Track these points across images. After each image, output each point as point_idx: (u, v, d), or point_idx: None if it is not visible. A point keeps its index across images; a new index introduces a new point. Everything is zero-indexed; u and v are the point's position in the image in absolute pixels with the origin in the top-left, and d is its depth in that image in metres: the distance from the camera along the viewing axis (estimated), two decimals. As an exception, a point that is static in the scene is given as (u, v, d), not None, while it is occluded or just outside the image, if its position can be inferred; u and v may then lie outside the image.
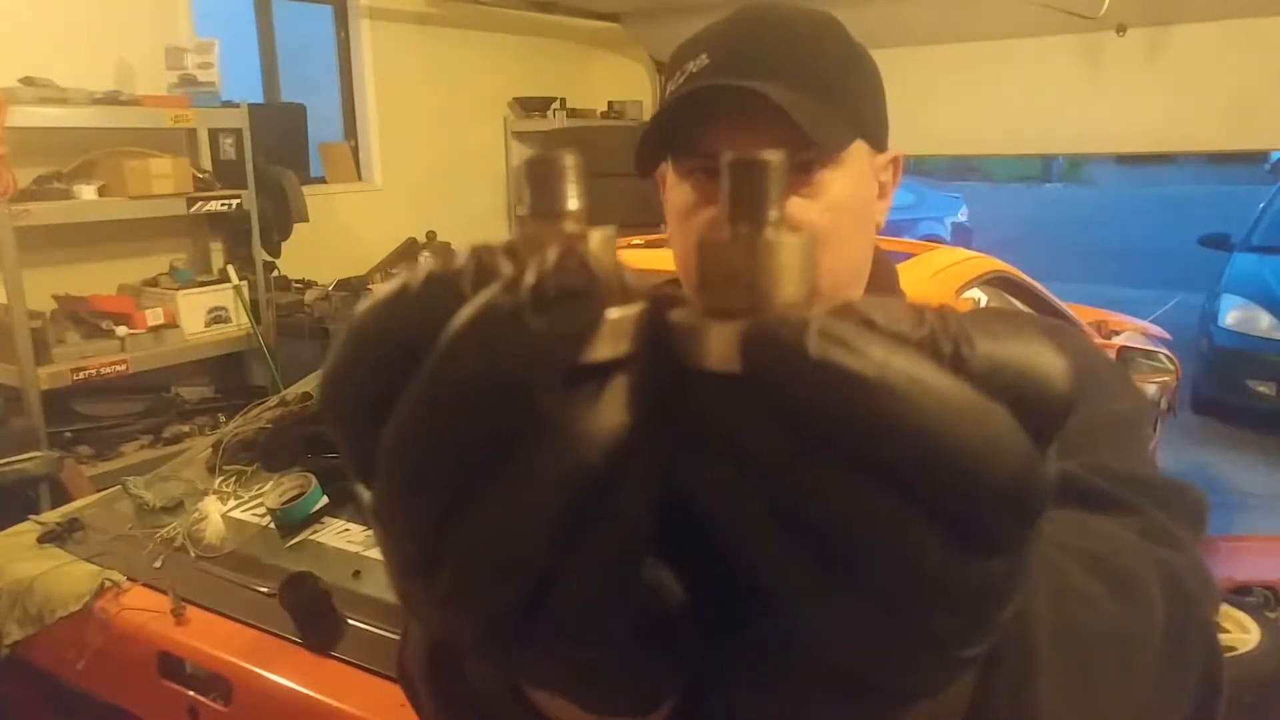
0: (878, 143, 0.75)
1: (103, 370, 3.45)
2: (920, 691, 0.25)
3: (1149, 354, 2.88)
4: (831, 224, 0.70)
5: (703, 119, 0.69)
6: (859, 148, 0.72)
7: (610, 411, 0.23)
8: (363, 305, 0.25)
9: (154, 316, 3.67)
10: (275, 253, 4.28)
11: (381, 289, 0.25)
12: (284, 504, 1.81)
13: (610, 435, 0.23)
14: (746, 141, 0.68)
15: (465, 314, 0.22)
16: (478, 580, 0.23)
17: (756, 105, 0.65)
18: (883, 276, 0.80)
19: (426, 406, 0.23)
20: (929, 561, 0.22)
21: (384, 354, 0.24)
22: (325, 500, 1.83)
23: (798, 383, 0.22)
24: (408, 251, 5.02)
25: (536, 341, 0.22)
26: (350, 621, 1.51)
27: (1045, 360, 0.24)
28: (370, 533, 1.76)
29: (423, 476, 0.23)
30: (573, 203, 0.25)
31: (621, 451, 0.23)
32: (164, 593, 1.65)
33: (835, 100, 0.70)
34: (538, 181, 0.25)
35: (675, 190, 0.74)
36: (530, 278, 0.22)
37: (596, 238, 0.24)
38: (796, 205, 0.69)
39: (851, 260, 0.75)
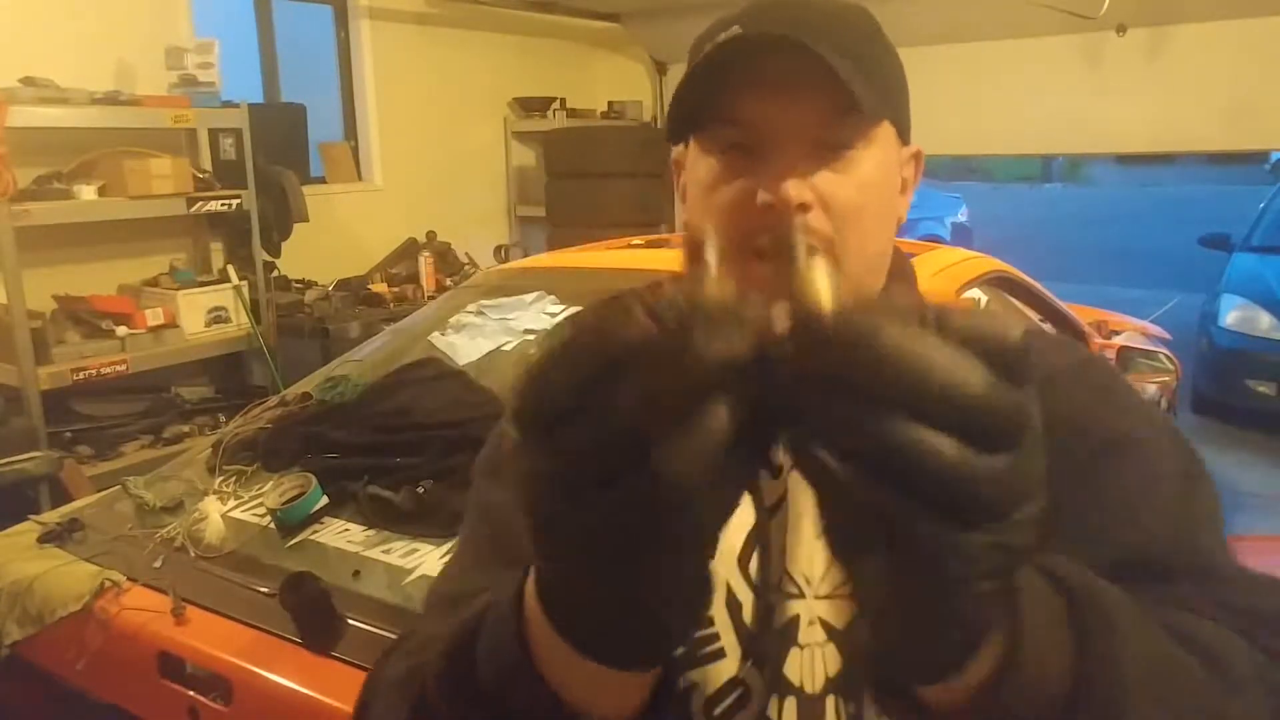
0: (903, 132, 0.73)
1: (103, 370, 3.45)
2: (985, 566, 0.37)
3: (1149, 354, 2.88)
4: (861, 203, 0.68)
5: (736, 83, 0.66)
6: (888, 131, 0.70)
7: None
8: (588, 320, 0.39)
9: (154, 316, 3.67)
10: (275, 253, 4.27)
11: (599, 317, 0.39)
12: (284, 504, 1.81)
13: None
14: (782, 107, 0.66)
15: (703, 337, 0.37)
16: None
17: (796, 66, 0.63)
18: (902, 268, 0.78)
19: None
20: (948, 460, 0.34)
21: (593, 366, 0.37)
22: (325, 500, 1.83)
23: (854, 350, 0.35)
24: (408, 251, 5.02)
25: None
26: (350, 621, 1.51)
27: (998, 324, 0.36)
28: (370, 533, 1.76)
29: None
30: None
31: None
32: (164, 593, 1.64)
33: (869, 69, 0.67)
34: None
35: (699, 164, 0.71)
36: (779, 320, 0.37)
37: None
38: (827, 180, 0.67)
39: (878, 245, 0.72)
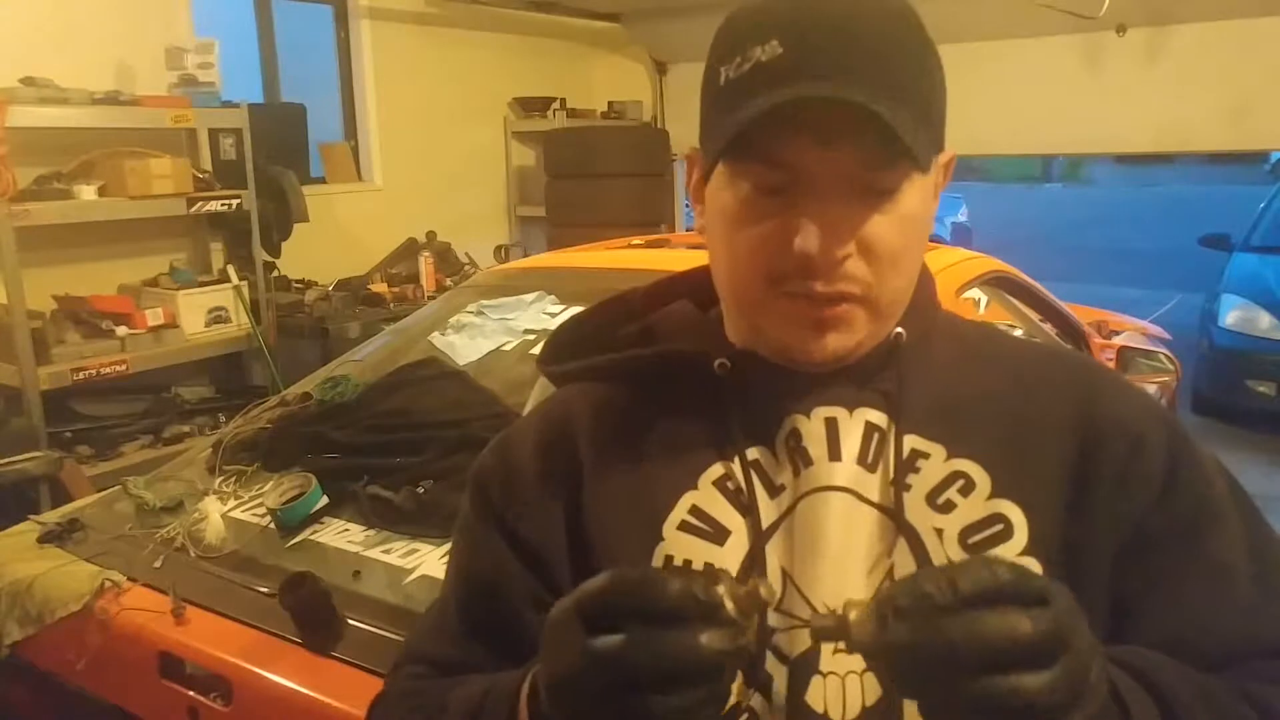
0: (941, 145, 0.70)
1: (103, 370, 3.45)
2: None
3: (1149, 354, 2.87)
4: (902, 243, 0.65)
5: (783, 129, 0.61)
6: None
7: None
8: (655, 581, 0.52)
9: (154, 316, 3.67)
10: (275, 253, 4.27)
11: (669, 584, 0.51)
12: (284, 504, 1.81)
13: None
14: (829, 152, 0.62)
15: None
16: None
17: (847, 111, 0.60)
18: (923, 279, 0.76)
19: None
20: (1033, 689, 0.47)
21: (643, 610, 0.51)
22: (325, 500, 1.83)
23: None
24: (408, 251, 5.02)
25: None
26: (350, 621, 1.50)
27: (998, 570, 0.49)
28: (370, 533, 1.76)
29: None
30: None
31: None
32: (164, 593, 1.64)
33: (917, 105, 0.63)
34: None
35: (725, 190, 0.67)
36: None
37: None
38: (869, 223, 0.64)
39: (913, 275, 0.70)
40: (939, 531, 0.68)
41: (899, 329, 0.72)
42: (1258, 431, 5.25)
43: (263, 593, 1.60)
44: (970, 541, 0.68)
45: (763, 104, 0.60)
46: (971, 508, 0.68)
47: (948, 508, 0.68)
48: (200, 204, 3.79)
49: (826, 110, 0.60)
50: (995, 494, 0.69)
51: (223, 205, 3.88)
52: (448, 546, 1.65)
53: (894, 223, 0.65)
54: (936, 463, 0.70)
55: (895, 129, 0.59)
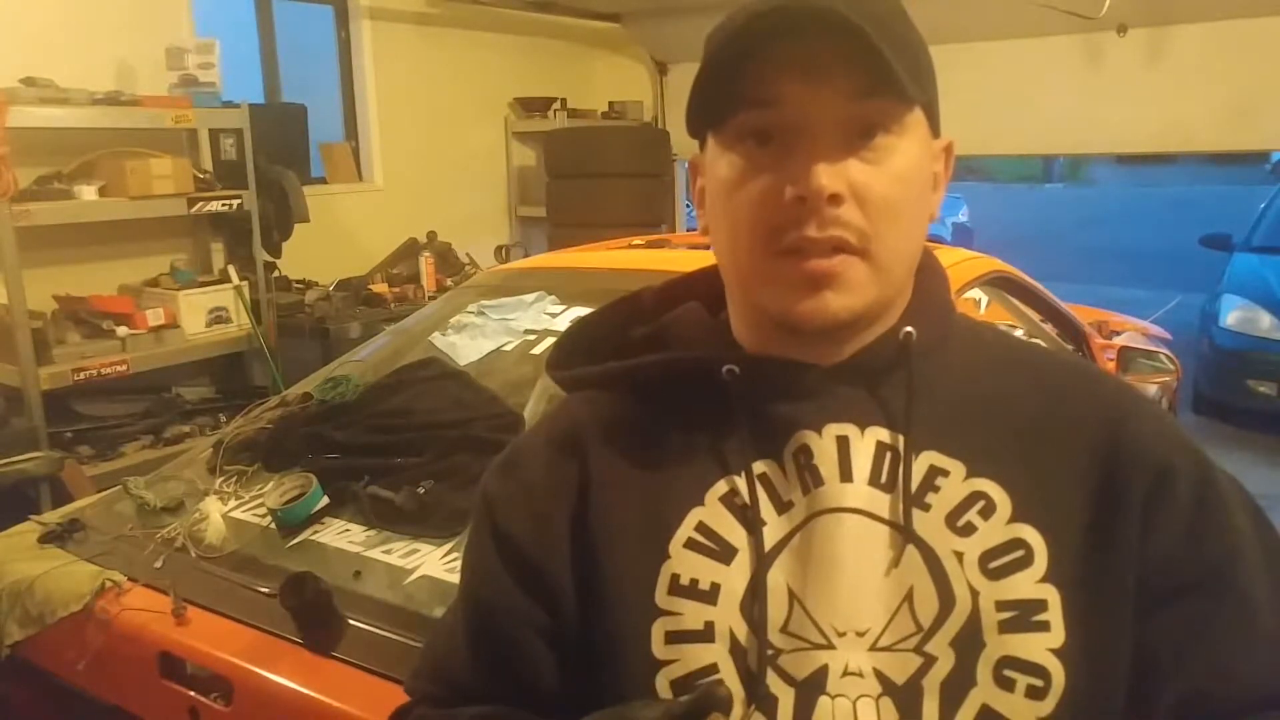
0: (934, 123, 0.69)
1: (103, 370, 3.45)
2: None
3: (1149, 354, 2.87)
4: (896, 197, 0.64)
5: (762, 63, 0.62)
6: (919, 120, 0.67)
7: None
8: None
9: (154, 317, 3.67)
10: (276, 253, 4.27)
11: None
12: (284, 504, 1.81)
13: None
14: (813, 86, 0.62)
15: None
16: None
17: (826, 44, 0.60)
18: (930, 264, 0.75)
19: None
20: None
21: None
22: (326, 500, 1.83)
23: None
24: (408, 251, 5.02)
25: None
26: (350, 621, 1.51)
27: None
28: (371, 533, 1.76)
29: None
30: None
31: None
32: (164, 593, 1.64)
33: (901, 54, 0.62)
34: None
35: (719, 162, 0.67)
36: None
37: None
38: (860, 171, 0.63)
39: (911, 242, 0.69)
40: (959, 555, 0.66)
41: (909, 328, 0.71)
42: (1258, 431, 5.24)
43: (263, 593, 1.60)
44: (990, 566, 0.66)
45: (738, 31, 0.62)
46: (992, 531, 0.67)
47: (968, 530, 0.67)
48: (201, 204, 3.79)
49: (806, 46, 0.61)
50: (1015, 517, 0.67)
51: (223, 205, 3.87)
52: (448, 547, 1.67)
53: (888, 175, 0.64)
54: (956, 481, 0.68)
55: (878, 47, 0.59)
